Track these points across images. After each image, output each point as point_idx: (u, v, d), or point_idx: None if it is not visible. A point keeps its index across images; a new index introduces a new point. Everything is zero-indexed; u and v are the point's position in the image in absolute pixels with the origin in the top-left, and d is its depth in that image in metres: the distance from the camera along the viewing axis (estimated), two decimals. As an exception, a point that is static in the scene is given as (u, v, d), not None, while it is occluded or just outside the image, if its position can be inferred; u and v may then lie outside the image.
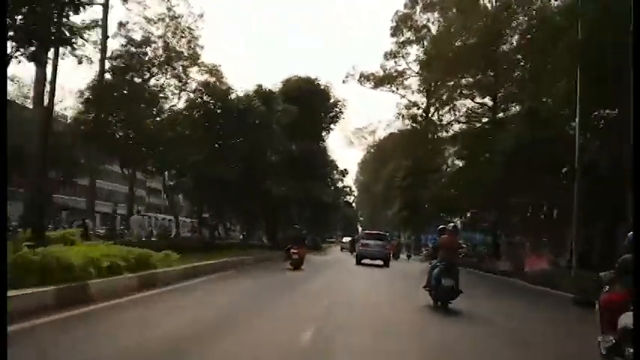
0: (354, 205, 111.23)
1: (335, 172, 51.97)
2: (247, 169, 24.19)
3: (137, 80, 29.40)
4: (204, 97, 24.51)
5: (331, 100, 37.14)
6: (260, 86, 25.10)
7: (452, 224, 13.99)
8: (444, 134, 31.95)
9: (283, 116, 26.60)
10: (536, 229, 26.56)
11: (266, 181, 26.54)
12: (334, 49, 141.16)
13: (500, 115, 30.70)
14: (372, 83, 65.16)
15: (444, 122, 31.30)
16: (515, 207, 29.74)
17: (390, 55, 64.02)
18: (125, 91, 27.89)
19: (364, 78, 65.30)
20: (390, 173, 73.33)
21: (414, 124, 37.46)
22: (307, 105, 33.89)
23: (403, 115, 45.85)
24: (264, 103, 25.10)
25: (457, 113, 32.47)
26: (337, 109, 37.25)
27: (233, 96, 24.83)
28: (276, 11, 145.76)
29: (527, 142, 21.03)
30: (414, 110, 43.49)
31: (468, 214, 37.83)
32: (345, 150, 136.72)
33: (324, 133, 38.08)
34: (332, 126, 37.73)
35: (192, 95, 25.35)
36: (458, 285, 11.09)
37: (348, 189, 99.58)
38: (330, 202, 57.32)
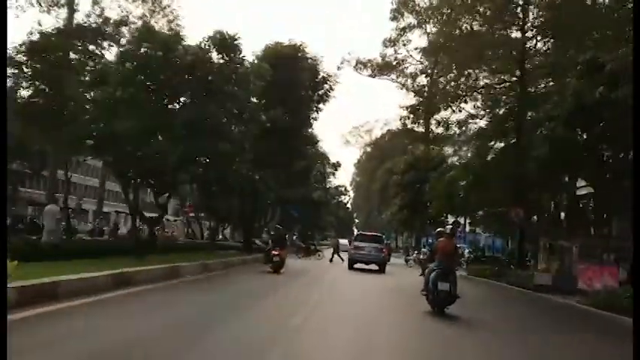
0: (349, 206, 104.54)
1: (326, 164, 45.14)
2: (201, 145, 17.12)
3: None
4: (142, 46, 17.43)
5: (320, 75, 30.11)
6: (219, 32, 18.06)
7: (449, 227, 12.85)
8: (455, 108, 24.56)
9: (254, 75, 19.54)
10: (586, 229, 19.47)
11: (229, 163, 19.45)
12: (331, 43, 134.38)
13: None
14: (370, 70, 58.58)
15: (461, 90, 23.79)
16: (549, 199, 22.99)
17: (390, 42, 57.27)
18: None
19: (361, 65, 58.57)
20: (387, 171, 66.78)
21: (420, 99, 30.38)
22: (290, 77, 26.93)
23: (407, 88, 38.86)
24: (223, 53, 18.08)
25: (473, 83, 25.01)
26: (327, 86, 30.32)
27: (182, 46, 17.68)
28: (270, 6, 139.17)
29: (591, 103, 14.08)
30: (421, 79, 36.17)
31: (481, 213, 30.57)
32: (342, 149, 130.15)
33: (312, 115, 30.92)
34: (321, 106, 30.68)
35: (128, 46, 18.26)
36: (455, 289, 10.61)
37: (343, 188, 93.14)
38: (322, 199, 50.51)
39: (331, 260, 30.56)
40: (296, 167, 28.79)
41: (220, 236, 47.73)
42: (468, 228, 48.64)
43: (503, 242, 44.90)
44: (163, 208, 20.64)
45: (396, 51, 57.37)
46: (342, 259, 29.52)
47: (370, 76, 57.58)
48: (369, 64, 56.86)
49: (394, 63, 56.80)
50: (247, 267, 22.08)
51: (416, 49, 56.15)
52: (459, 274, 17.12)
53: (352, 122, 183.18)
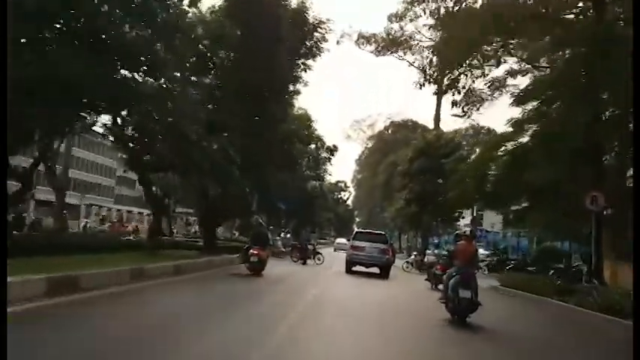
0: (349, 203, 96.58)
1: (321, 147, 37.11)
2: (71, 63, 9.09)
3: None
4: None
5: (310, 22, 22.08)
6: None
7: (468, 229, 12.32)
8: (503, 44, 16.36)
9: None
10: None
11: (149, 108, 11.46)
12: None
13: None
14: (374, 46, 50.45)
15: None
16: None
17: (396, 17, 49.57)
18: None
19: (364, 39, 50.53)
20: (391, 164, 58.97)
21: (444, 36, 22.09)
22: (265, 15, 18.98)
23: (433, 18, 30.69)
24: None
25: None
26: (319, 35, 22.33)
27: None
28: None
29: None
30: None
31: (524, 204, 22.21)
32: (343, 145, 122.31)
33: (300, 77, 22.92)
34: (310, 62, 22.70)
35: None
36: (477, 296, 9.45)
37: (343, 184, 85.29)
38: (316, 190, 42.51)
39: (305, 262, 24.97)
40: (273, 138, 20.72)
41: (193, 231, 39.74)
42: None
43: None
44: (22, 177, 12.52)
45: (402, 27, 49.59)
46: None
47: (374, 52, 49.63)
48: (373, 39, 49.00)
49: (401, 39, 49.00)
50: (193, 277, 14.13)
51: (425, 25, 48.70)
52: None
53: (353, 116, 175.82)
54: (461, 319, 9.33)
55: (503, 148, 21.55)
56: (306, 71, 22.70)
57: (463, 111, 20.12)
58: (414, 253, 31.74)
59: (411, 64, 47.76)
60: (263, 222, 22.48)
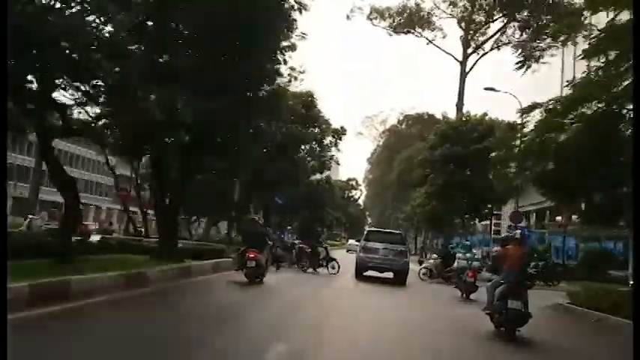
0: (361, 203, 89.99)
1: (327, 129, 30.66)
2: None
3: None
4: None
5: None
6: None
7: (518, 231, 10.34)
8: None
9: None
10: None
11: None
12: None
13: None
14: (389, 22, 43.90)
15: None
16: None
17: (412, -8, 43.19)
18: None
19: (377, 14, 44.00)
20: (406, 159, 52.61)
21: None
22: None
23: None
24: None
25: None
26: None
27: None
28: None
29: None
30: None
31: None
32: (355, 142, 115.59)
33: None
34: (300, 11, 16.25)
35: None
36: (527, 307, 8.23)
37: (354, 182, 79.03)
38: (322, 183, 36.07)
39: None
40: (253, 93, 14.28)
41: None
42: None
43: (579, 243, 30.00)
44: None
45: (418, 5, 43.12)
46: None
47: (388, 29, 42.96)
48: (388, 14, 42.42)
49: (420, 15, 42.50)
50: (93, 305, 7.77)
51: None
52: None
53: (364, 113, 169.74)
54: (510, 332, 8.19)
55: (571, 116, 15.27)
56: (301, 12, 16.22)
57: (523, 51, 13.58)
58: (434, 255, 23.49)
59: (430, 42, 41.37)
60: (260, 220, 17.62)
